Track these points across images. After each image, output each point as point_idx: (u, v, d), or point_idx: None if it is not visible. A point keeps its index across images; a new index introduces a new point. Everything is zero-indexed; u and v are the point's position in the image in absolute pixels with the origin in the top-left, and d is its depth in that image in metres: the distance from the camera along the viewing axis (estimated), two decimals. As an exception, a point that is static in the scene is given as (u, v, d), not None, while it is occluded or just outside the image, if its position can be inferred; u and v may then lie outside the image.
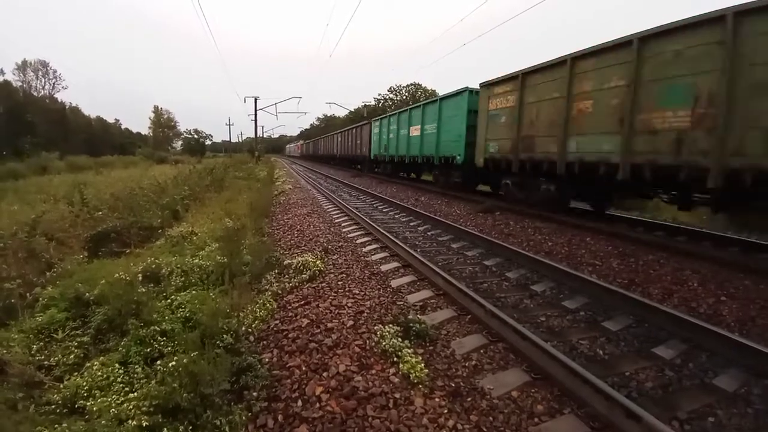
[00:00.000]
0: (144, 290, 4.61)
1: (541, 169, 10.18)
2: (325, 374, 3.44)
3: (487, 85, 12.46)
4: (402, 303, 5.01)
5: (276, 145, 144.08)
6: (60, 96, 72.21)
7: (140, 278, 5.06)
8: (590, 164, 8.57)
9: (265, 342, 4.16)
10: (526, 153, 10.66)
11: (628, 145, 7.64)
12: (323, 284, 5.59)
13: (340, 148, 38.27)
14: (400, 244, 7.20)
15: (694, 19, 6.57)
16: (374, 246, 7.72)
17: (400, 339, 3.90)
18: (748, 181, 5.90)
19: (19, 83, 65.10)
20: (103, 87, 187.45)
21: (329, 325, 4.31)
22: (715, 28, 6.26)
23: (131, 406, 2.80)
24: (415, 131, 18.65)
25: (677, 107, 6.82)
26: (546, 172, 10.09)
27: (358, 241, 8.10)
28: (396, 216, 11.47)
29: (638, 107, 7.47)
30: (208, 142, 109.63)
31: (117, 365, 3.42)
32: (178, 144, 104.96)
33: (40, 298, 4.87)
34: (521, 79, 10.72)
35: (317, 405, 3.06)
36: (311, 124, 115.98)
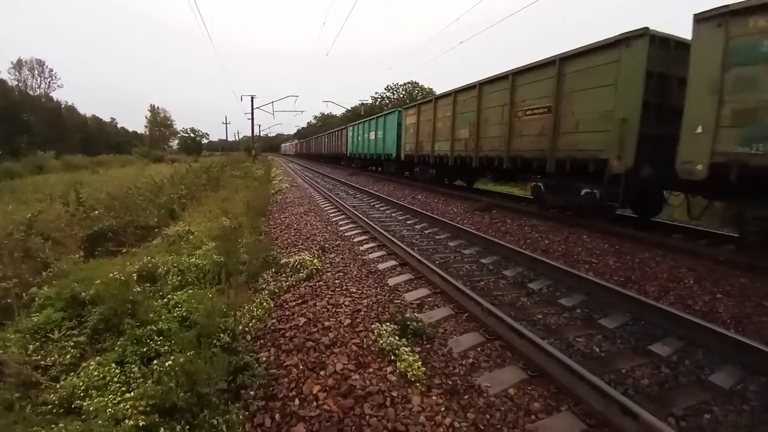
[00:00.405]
0: (140, 290, 4.60)
1: (428, 161, 17.04)
2: (322, 373, 3.44)
3: (404, 108, 20.40)
4: (399, 301, 5.02)
5: (273, 144, 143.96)
6: (55, 95, 72.20)
7: (136, 278, 5.05)
8: (443, 157, 15.43)
9: (262, 341, 4.15)
10: (420, 151, 17.77)
11: (452, 147, 14.62)
12: (320, 283, 5.58)
13: (327, 147, 45.00)
14: (397, 242, 7.20)
15: (463, 87, 13.84)
16: (371, 244, 7.72)
17: (397, 337, 3.90)
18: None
19: (15, 82, 64.88)
20: (100, 87, 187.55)
21: (326, 323, 4.31)
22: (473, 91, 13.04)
23: (128, 406, 2.79)
24: (372, 136, 25.28)
25: (465, 128, 13.64)
26: (429, 163, 17.11)
27: (355, 240, 8.10)
28: (393, 214, 11.47)
29: (455, 127, 14.40)
30: (204, 141, 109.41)
31: (113, 365, 3.40)
32: (174, 143, 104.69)
33: (37, 298, 4.85)
34: (418, 107, 18.05)
35: (314, 404, 3.06)
36: (308, 123, 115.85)
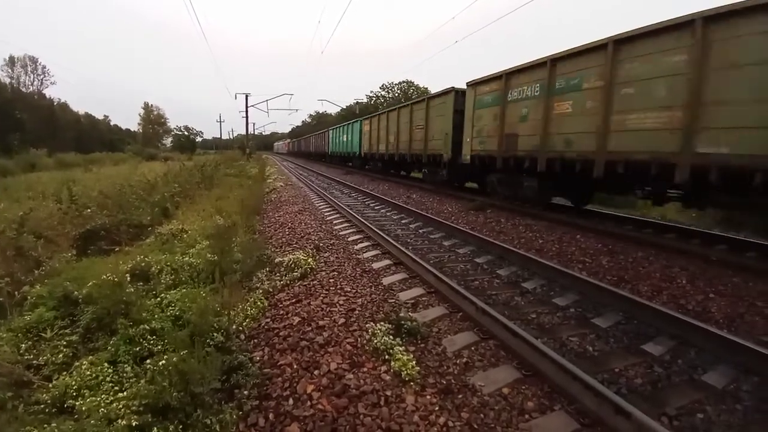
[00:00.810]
0: (133, 289, 4.57)
1: (376, 157, 24.60)
2: (316, 372, 3.44)
3: (362, 119, 27.68)
4: (393, 301, 5.02)
5: (267, 142, 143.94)
6: (49, 92, 71.57)
7: (129, 277, 5.01)
8: (384, 154, 22.53)
9: (256, 340, 4.14)
10: (371, 150, 25.10)
11: (387, 148, 21.76)
12: (315, 282, 5.57)
13: (314, 146, 52.06)
14: (392, 241, 7.20)
15: (389, 110, 22.36)
16: (366, 243, 7.72)
17: (391, 337, 3.90)
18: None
19: (8, 79, 64.40)
20: (95, 85, 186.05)
21: (321, 323, 4.30)
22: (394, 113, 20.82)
23: (121, 406, 2.77)
24: (345, 138, 32.60)
25: (393, 135, 20.64)
26: (377, 158, 24.77)
27: (349, 239, 8.09)
28: (388, 213, 11.47)
29: (388, 134, 21.41)
30: (198, 139, 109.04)
31: (106, 364, 3.38)
32: (168, 141, 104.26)
33: (29, 297, 4.81)
34: (370, 120, 25.14)
35: (308, 403, 3.06)
36: (303, 121, 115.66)
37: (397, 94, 66.25)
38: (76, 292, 4.49)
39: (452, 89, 14.50)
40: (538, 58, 9.74)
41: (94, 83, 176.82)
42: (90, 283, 4.41)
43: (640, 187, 8.32)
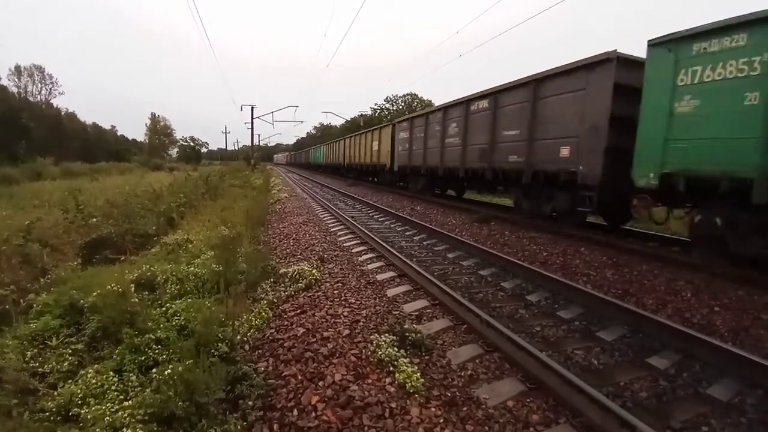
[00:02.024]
0: (139, 298, 4.59)
1: (336, 166, 38.83)
2: (321, 383, 3.44)
3: (323, 144, 47.51)
4: (398, 312, 5.02)
5: (272, 154, 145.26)
6: (56, 102, 72.21)
7: (134, 287, 5.03)
8: (342, 165, 35.58)
9: (260, 351, 4.14)
10: (327, 162, 43.89)
11: (344, 159, 34.39)
12: (319, 293, 5.58)
13: (305, 158, 67.39)
14: (396, 253, 7.21)
15: (351, 135, 33.07)
16: (370, 255, 7.73)
17: (396, 348, 3.90)
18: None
19: (15, 88, 65.05)
20: (99, 93, 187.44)
21: (325, 334, 4.30)
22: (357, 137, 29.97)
23: (126, 415, 2.78)
24: (318, 153, 50.88)
25: (355, 150, 30.18)
26: (336, 166, 39.03)
27: (353, 251, 8.10)
28: (392, 225, 11.49)
29: (344, 150, 34.55)
30: (204, 150, 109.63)
31: (111, 373, 3.40)
32: (173, 151, 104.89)
33: (34, 305, 4.85)
34: (330, 144, 43.31)
35: (313, 414, 3.05)
36: (307, 133, 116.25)
37: (401, 107, 66.60)
38: (81, 301, 4.52)
39: (390, 124, 22.36)
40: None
41: (92, 90, 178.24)
42: (96, 293, 4.44)
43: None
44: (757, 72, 5.75)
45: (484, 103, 12.58)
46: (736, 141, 5.97)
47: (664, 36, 6.98)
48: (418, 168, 17.68)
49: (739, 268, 6.22)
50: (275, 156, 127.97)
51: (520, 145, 10.70)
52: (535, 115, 10.18)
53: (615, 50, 8.07)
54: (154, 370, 3.37)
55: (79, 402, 3.06)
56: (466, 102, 13.47)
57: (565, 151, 9.28)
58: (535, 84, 10.13)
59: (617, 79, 7.98)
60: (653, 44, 7.17)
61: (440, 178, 16.61)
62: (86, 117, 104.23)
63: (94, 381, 3.27)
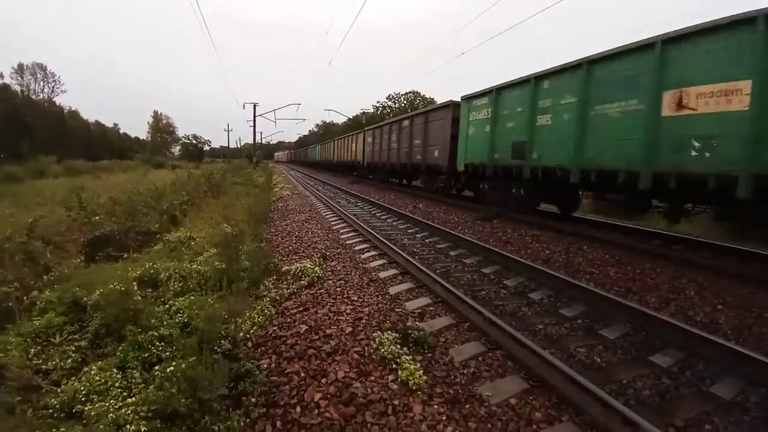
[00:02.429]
0: (141, 296, 4.60)
1: (328, 163, 46.20)
2: (323, 380, 3.44)
3: (319, 144, 56.22)
4: (400, 310, 5.02)
5: (274, 152, 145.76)
6: (59, 100, 72.34)
7: (137, 284, 5.05)
8: (336, 162, 41.10)
9: (263, 348, 4.15)
10: (322, 158, 52.07)
11: (341, 157, 39.15)
12: (322, 290, 5.58)
13: (306, 156, 72.42)
14: (399, 251, 7.21)
15: (344, 136, 38.86)
16: (372, 253, 7.73)
17: (398, 346, 3.89)
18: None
19: (18, 86, 65.19)
20: (103, 92, 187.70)
21: (328, 331, 4.31)
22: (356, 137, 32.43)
23: (129, 411, 2.79)
24: (315, 152, 59.14)
25: (351, 149, 33.90)
26: (326, 162, 48.01)
27: (356, 248, 8.11)
28: (394, 223, 11.49)
29: (341, 149, 38.63)
30: (206, 148, 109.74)
31: (115, 370, 3.41)
32: (176, 149, 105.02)
33: (38, 302, 4.85)
34: (324, 145, 51.11)
35: (316, 411, 3.06)
36: (310, 131, 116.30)
37: (403, 105, 66.52)
38: (85, 298, 4.53)
39: (362, 131, 29.95)
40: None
41: (93, 86, 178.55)
42: (99, 290, 4.45)
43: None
44: (489, 116, 12.51)
45: (406, 122, 20.17)
46: (486, 150, 12.60)
47: (464, 95, 14.04)
48: (377, 164, 25.47)
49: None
50: (276, 154, 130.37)
51: (421, 149, 18.10)
52: (427, 132, 17.69)
53: (451, 99, 15.62)
54: (157, 367, 3.38)
55: (83, 399, 3.07)
56: (398, 121, 21.60)
57: (437, 153, 16.61)
58: (426, 114, 18.12)
59: (453, 115, 15.19)
60: (463, 98, 14.19)
61: (389, 171, 24.54)
62: (89, 115, 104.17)
63: (97, 378, 3.28)
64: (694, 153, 6.54)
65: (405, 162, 20.22)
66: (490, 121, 12.38)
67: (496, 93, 12.10)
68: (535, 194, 11.81)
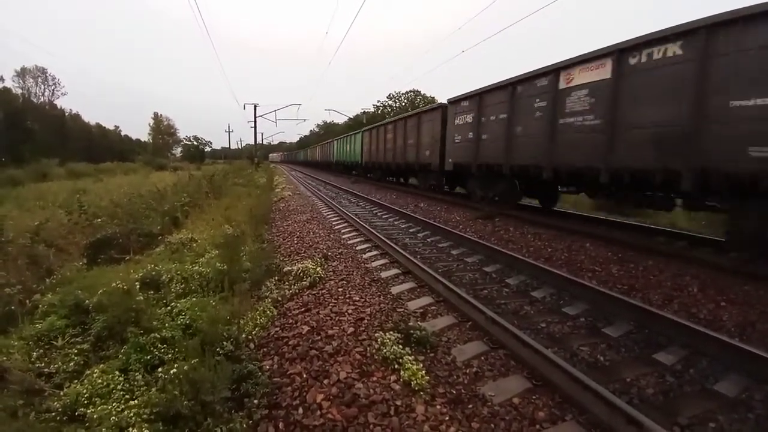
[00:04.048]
0: (143, 298, 4.61)
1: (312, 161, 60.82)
2: (326, 381, 3.44)
3: (311, 147, 63.21)
4: (402, 310, 5.01)
5: (281, 151, 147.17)
6: (59, 102, 72.51)
7: (139, 286, 5.05)
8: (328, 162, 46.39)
9: (265, 349, 4.15)
10: (305, 158, 71.18)
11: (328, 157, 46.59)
12: (323, 291, 5.58)
13: (296, 157, 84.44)
14: (400, 250, 7.20)
15: (338, 138, 41.65)
16: (374, 252, 7.72)
17: (400, 346, 3.89)
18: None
19: (19, 90, 65.34)
20: (103, 93, 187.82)
21: (330, 332, 4.30)
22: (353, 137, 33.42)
23: (132, 414, 2.80)
24: (302, 154, 78.10)
25: (353, 148, 33.08)
26: (308, 162, 65.19)
27: (357, 248, 8.10)
28: (395, 222, 11.48)
29: (326, 151, 47.26)
30: (207, 149, 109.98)
31: (117, 372, 3.41)
32: (177, 151, 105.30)
33: (40, 305, 4.87)
34: (310, 148, 66.04)
35: (318, 412, 3.05)
36: (311, 131, 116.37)
37: (404, 104, 66.50)
38: (87, 301, 4.54)
39: (339, 138, 35.29)
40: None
41: (94, 87, 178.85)
42: (102, 290, 4.46)
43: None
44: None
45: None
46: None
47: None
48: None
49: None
50: (270, 155, 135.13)
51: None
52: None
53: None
54: (159, 369, 3.39)
55: (85, 402, 3.07)
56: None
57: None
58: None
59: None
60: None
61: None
62: (90, 117, 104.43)
63: (99, 381, 3.28)
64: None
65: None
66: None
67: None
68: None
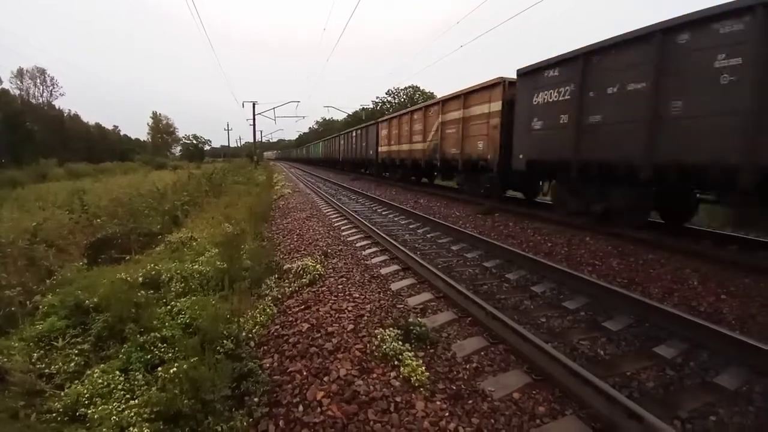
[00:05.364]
0: (144, 297, 4.61)
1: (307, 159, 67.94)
2: (326, 379, 3.44)
3: (313, 144, 64.57)
4: (402, 306, 5.01)
5: (276, 149, 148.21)
6: (58, 103, 72.40)
7: (140, 285, 5.06)
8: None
9: (265, 347, 4.15)
10: (297, 155, 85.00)
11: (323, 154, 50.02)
12: (323, 288, 5.58)
13: (289, 155, 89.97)
14: (400, 246, 7.20)
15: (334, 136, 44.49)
16: (374, 249, 7.72)
17: (400, 342, 3.89)
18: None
19: (17, 91, 65.26)
20: (101, 93, 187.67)
21: (330, 329, 4.30)
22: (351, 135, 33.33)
23: (132, 413, 2.80)
24: (300, 152, 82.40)
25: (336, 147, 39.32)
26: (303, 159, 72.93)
27: (357, 245, 8.10)
28: (395, 218, 11.47)
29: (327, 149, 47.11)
30: (207, 148, 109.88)
31: (117, 372, 3.41)
32: (177, 150, 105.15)
33: (40, 306, 4.86)
34: (310, 146, 68.37)
35: (318, 410, 3.05)
36: (310, 128, 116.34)
37: (402, 99, 66.38)
38: (87, 301, 4.54)
39: (323, 140, 48.49)
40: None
41: (92, 87, 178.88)
42: (101, 290, 4.46)
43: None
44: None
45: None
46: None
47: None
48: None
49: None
50: (265, 153, 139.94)
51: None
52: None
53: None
54: (159, 368, 3.39)
55: (86, 402, 3.08)
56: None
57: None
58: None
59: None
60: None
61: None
62: (88, 117, 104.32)
63: (100, 381, 3.28)
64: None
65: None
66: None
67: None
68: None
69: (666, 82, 6.96)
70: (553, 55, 9.54)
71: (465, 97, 13.73)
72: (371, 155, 26.02)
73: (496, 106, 11.97)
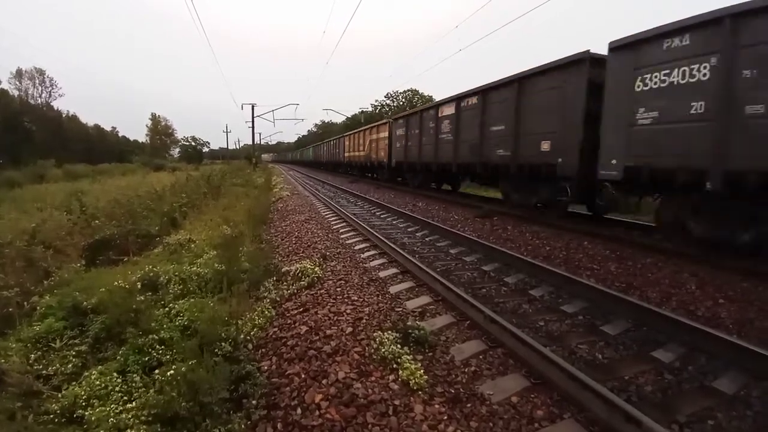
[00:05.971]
0: (142, 299, 4.60)
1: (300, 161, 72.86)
2: (324, 381, 3.43)
3: (307, 148, 75.21)
4: (401, 309, 5.01)
5: (273, 152, 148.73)
6: (56, 104, 72.36)
7: (138, 286, 5.04)
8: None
9: (263, 350, 4.14)
10: (292, 158, 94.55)
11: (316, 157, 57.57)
12: (322, 291, 5.57)
13: (285, 157, 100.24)
14: (399, 250, 7.20)
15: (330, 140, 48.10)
16: (372, 252, 7.72)
17: (399, 345, 3.89)
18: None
19: (16, 91, 65.21)
20: (101, 94, 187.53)
21: (328, 332, 4.30)
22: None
23: (130, 416, 2.79)
24: (295, 155, 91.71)
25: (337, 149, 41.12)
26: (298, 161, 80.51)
27: (356, 248, 8.10)
28: (394, 222, 11.48)
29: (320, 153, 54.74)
30: (205, 150, 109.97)
31: (115, 374, 3.40)
32: (175, 151, 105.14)
33: (38, 307, 4.85)
34: (305, 149, 76.05)
35: (317, 413, 3.05)
36: (309, 131, 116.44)
37: (401, 103, 66.47)
38: (85, 302, 4.53)
39: (313, 145, 58.99)
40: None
41: (92, 89, 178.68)
42: (100, 291, 4.45)
43: None
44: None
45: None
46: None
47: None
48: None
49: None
50: (263, 156, 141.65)
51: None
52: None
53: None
54: (157, 370, 3.38)
55: (84, 404, 3.07)
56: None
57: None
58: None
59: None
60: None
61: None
62: (87, 118, 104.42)
63: (98, 382, 3.27)
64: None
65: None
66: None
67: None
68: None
69: None
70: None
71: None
72: (342, 158, 34.64)
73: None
